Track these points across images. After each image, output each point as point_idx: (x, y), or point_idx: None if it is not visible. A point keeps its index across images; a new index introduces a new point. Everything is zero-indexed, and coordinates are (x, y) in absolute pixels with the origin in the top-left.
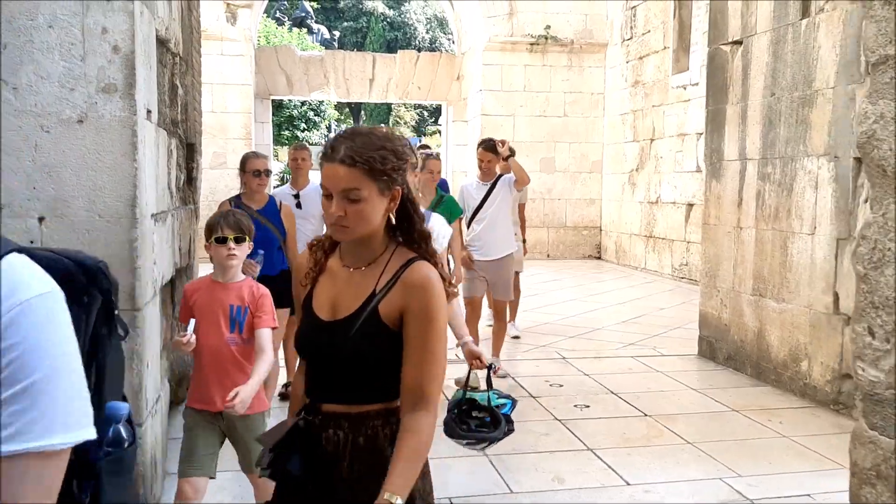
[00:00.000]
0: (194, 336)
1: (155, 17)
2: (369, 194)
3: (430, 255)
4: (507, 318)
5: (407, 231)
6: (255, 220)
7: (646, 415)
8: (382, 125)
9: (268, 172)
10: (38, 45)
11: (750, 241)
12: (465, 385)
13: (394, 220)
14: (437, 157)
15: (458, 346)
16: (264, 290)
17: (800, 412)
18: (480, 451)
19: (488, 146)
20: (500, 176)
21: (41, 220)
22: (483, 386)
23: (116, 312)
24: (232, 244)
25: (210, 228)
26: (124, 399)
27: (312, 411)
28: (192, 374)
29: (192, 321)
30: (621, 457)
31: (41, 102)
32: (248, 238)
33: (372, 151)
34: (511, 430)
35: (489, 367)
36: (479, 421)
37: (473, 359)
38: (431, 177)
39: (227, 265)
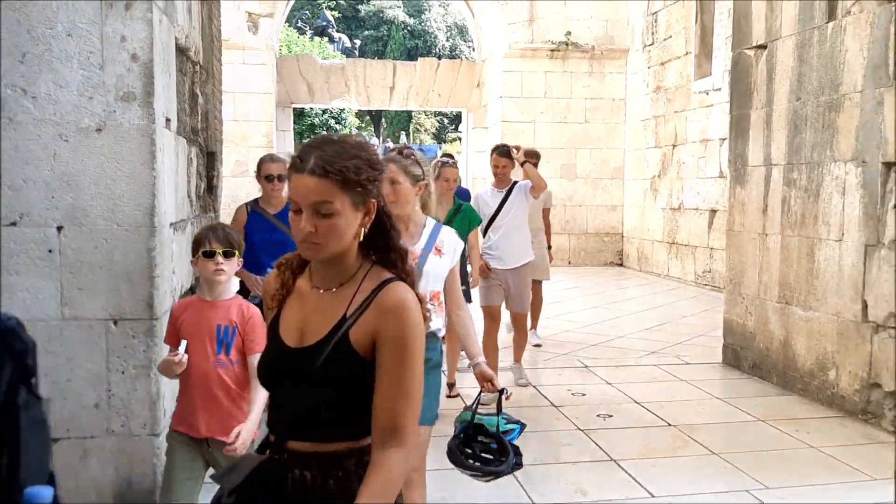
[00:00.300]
0: (186, 356)
1: (174, 26)
2: (342, 208)
3: (406, 275)
4: (529, 327)
5: (382, 249)
6: (270, 224)
7: (670, 425)
8: (357, 133)
9: (281, 177)
10: (57, 54)
11: (775, 247)
12: (473, 408)
13: (362, 236)
14: (454, 164)
15: (469, 366)
16: (254, 311)
17: (827, 422)
18: (485, 482)
19: (502, 151)
20: (516, 183)
21: (59, 229)
22: (489, 400)
23: (34, 380)
24: (220, 258)
25: (197, 242)
26: (51, 481)
27: (277, 449)
28: (178, 396)
29: (184, 342)
30: (645, 468)
31: (60, 111)
32: (237, 253)
33: (345, 161)
34: (519, 465)
35: (500, 392)
36: (485, 446)
37: (485, 381)
38: (448, 185)
39: (215, 280)
